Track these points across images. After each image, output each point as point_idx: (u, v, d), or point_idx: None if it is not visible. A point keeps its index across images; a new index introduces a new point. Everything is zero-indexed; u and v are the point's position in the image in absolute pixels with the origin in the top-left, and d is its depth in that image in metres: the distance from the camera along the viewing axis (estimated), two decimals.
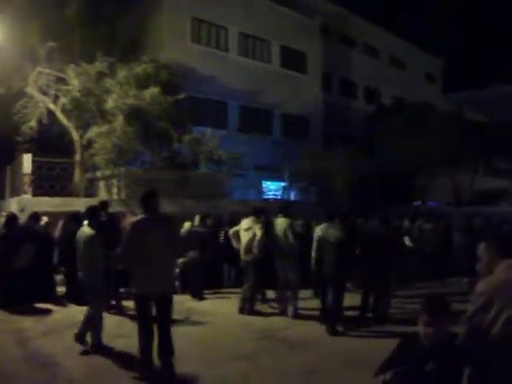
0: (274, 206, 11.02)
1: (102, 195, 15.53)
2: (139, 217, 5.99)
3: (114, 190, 15.38)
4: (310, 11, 27.28)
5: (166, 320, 5.85)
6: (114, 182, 15.23)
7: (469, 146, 28.37)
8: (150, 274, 5.66)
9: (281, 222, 9.03)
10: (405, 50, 35.48)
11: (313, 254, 8.67)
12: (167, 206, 15.29)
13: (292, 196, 21.78)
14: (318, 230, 8.64)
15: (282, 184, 21.76)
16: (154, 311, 5.92)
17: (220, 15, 22.89)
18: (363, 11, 32.04)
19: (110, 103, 14.52)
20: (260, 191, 22.13)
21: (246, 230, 9.20)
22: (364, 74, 31.74)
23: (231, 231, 9.77)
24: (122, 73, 15.21)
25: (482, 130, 29.83)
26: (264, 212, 9.69)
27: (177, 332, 6.21)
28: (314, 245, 8.64)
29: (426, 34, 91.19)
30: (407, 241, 13.91)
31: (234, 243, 9.62)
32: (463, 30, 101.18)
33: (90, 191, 15.97)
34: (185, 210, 13.95)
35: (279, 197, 21.59)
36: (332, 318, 8.01)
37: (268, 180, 22.80)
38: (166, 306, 5.86)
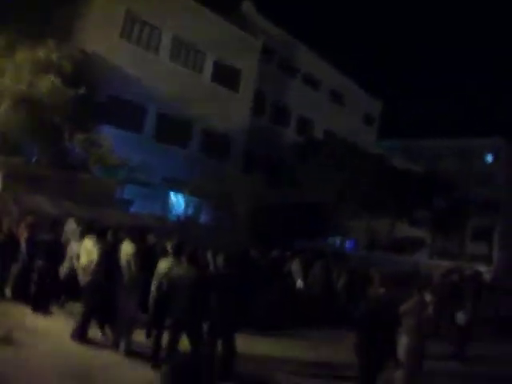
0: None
1: None
2: None
3: None
4: (255, 30, 26.72)
5: None
6: None
7: (393, 192, 28.43)
8: None
9: (126, 248, 8.13)
10: (346, 86, 35.27)
11: (152, 291, 7.84)
12: (46, 206, 14.28)
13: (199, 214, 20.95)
14: (162, 265, 7.81)
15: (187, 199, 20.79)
16: None
17: (156, 14, 21.79)
18: (310, 40, 31.77)
19: None
20: (167, 204, 21.12)
21: (87, 250, 8.25)
22: (300, 103, 31.16)
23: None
24: (20, 55, 14.01)
25: (408, 178, 29.99)
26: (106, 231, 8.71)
27: None
28: (154, 282, 7.82)
29: (369, 76, 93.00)
30: (299, 283, 13.38)
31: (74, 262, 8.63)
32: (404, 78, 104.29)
33: None
34: (64, 212, 13.05)
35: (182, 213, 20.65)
36: None
37: (178, 194, 21.77)
38: None
